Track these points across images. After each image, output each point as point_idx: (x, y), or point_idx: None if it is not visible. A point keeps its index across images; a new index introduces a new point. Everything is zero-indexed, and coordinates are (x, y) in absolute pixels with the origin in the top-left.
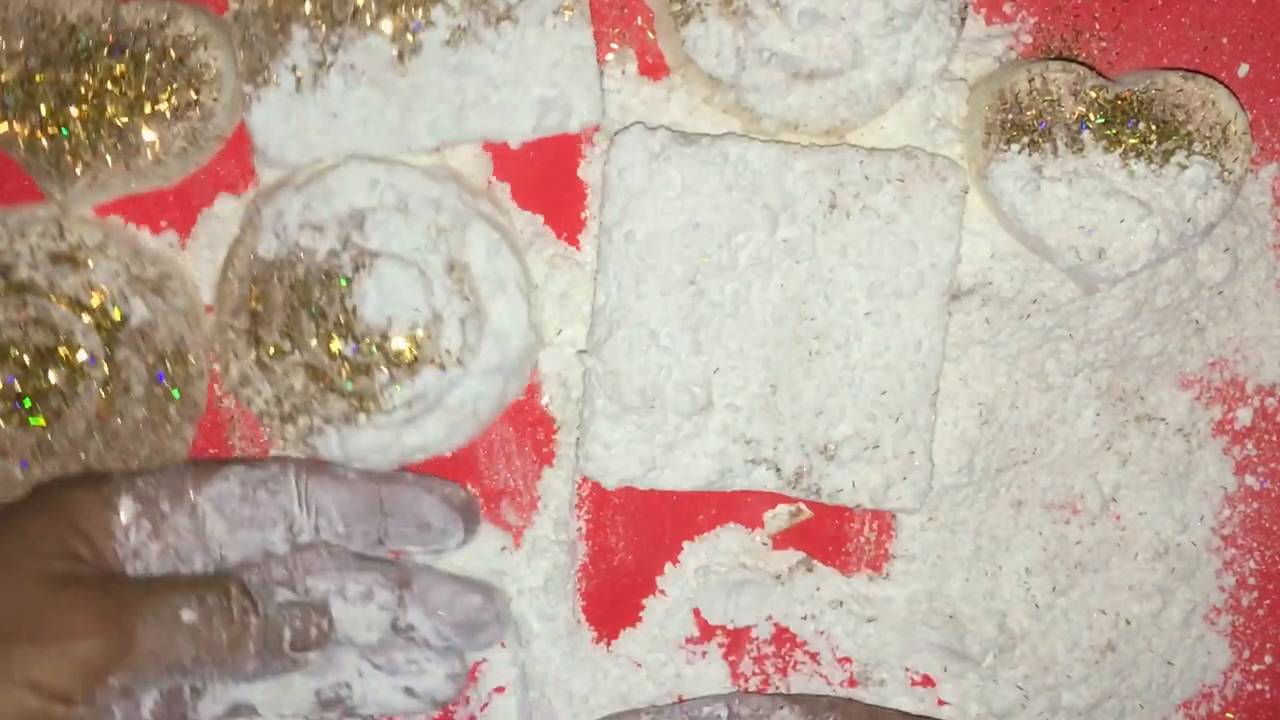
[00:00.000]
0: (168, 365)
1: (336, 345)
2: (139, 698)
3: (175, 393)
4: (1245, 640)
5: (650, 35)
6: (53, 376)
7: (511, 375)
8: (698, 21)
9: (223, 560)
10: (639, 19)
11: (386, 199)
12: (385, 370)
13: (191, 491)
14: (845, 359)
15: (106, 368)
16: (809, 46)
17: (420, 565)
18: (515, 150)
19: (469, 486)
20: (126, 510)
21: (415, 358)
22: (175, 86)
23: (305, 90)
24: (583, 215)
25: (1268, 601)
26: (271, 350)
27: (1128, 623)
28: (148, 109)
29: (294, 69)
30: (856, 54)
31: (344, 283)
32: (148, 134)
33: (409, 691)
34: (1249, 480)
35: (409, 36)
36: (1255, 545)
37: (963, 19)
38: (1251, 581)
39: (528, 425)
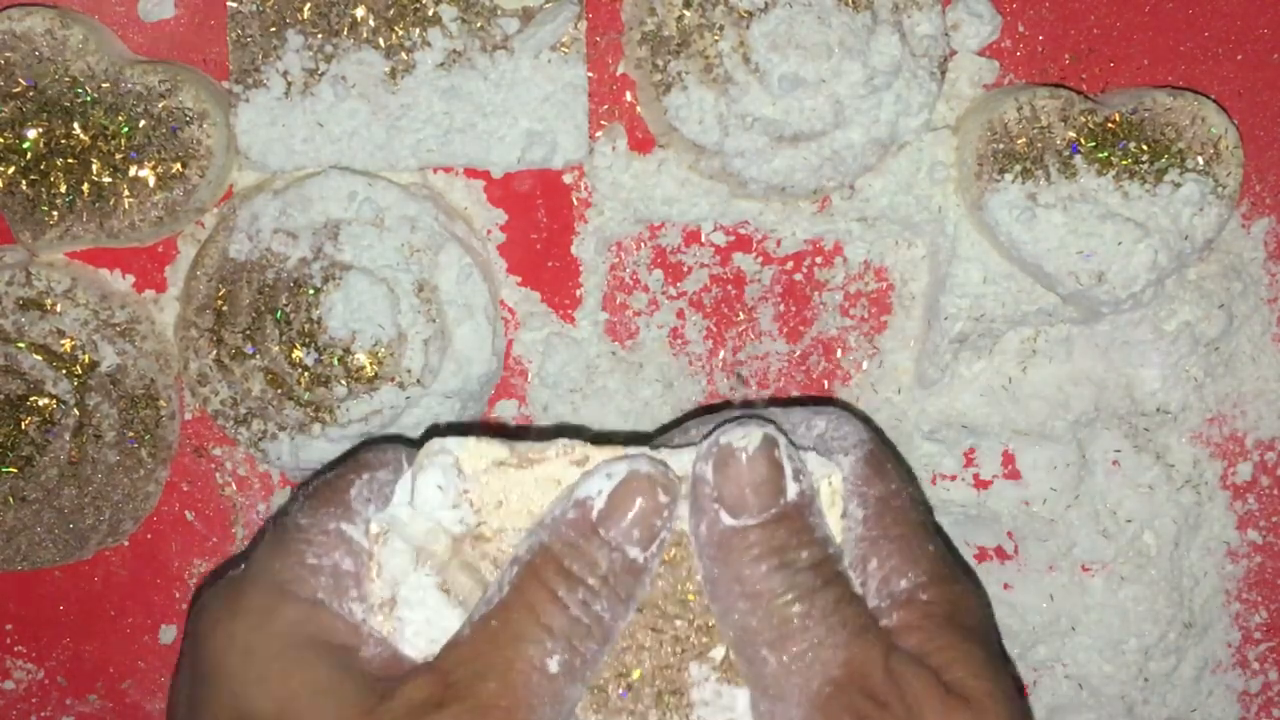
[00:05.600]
0: (139, 409)
1: (298, 354)
2: None
3: (147, 436)
4: (1253, 696)
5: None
6: (24, 424)
7: (470, 400)
8: (679, 90)
9: None
10: (628, 95)
11: (364, 212)
12: (344, 383)
13: None
14: None
15: (78, 414)
16: (791, 110)
17: None
18: (510, 230)
19: None
20: None
21: (375, 374)
22: (163, 157)
23: (294, 96)
24: (578, 293)
25: (1275, 656)
26: (232, 351)
27: (1146, 680)
28: (132, 172)
29: (285, 74)
30: (839, 115)
31: (312, 292)
32: (127, 198)
33: None
34: (1251, 535)
35: (403, 54)
36: (1260, 600)
37: (943, 72)
38: (1258, 636)
39: None
